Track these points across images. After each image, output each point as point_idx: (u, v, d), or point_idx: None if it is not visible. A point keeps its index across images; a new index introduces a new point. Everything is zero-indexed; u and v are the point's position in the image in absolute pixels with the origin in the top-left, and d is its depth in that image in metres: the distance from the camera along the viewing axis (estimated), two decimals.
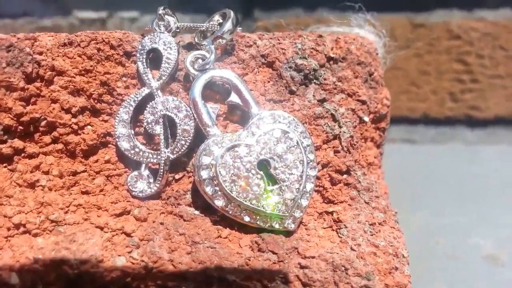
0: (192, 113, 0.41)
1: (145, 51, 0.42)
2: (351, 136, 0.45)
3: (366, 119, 0.47)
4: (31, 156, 0.41)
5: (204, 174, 0.39)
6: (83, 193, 0.42)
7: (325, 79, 0.46)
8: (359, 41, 0.49)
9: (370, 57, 0.50)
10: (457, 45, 1.08)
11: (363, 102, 0.47)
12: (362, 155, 0.47)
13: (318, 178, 0.44)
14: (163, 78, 0.42)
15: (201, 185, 0.39)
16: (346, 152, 0.45)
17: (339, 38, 0.48)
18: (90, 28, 1.13)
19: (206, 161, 0.39)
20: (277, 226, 0.39)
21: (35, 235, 0.38)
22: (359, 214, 0.43)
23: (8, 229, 0.38)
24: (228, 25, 0.42)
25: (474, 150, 1.09)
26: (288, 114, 0.41)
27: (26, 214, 0.39)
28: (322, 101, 0.45)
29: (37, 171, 0.41)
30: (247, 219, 0.39)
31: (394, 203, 0.83)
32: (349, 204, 0.44)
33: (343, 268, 0.37)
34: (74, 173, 0.42)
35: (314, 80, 0.46)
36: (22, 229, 0.38)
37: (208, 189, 0.39)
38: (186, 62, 0.42)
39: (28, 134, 0.41)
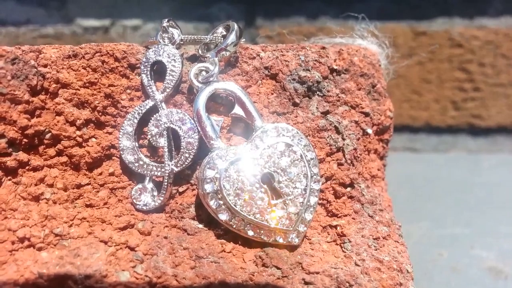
0: (196, 125, 0.41)
1: (149, 63, 0.42)
2: (355, 149, 0.45)
3: (370, 131, 0.47)
4: (35, 169, 0.41)
5: (208, 187, 0.39)
6: (87, 206, 0.42)
7: (328, 91, 0.46)
8: (362, 52, 0.49)
9: (373, 69, 0.50)
10: (458, 53, 1.08)
11: (366, 114, 0.47)
12: (366, 168, 0.47)
13: (322, 191, 0.44)
14: (167, 90, 0.42)
15: (205, 199, 0.39)
16: (350, 165, 0.45)
17: (342, 50, 0.48)
18: (92, 37, 1.14)
19: (210, 175, 0.39)
20: (281, 240, 0.39)
21: (40, 249, 0.38)
22: (363, 228, 0.43)
23: (13, 242, 0.38)
24: (232, 38, 0.42)
25: (477, 159, 1.09)
26: (292, 127, 0.41)
27: (30, 227, 0.39)
28: (325, 113, 0.45)
29: (42, 184, 0.41)
30: (251, 233, 0.39)
31: (396, 213, 0.83)
32: (353, 218, 0.43)
33: (347, 284, 0.36)
34: (78, 186, 0.42)
35: (318, 92, 0.46)
36: (26, 242, 0.38)
37: (212, 203, 0.39)
38: (190, 75, 0.42)
39: (32, 146, 0.41)
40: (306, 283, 0.37)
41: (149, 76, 0.42)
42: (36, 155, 0.41)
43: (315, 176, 0.40)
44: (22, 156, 0.40)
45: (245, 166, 0.39)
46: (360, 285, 0.36)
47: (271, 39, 1.06)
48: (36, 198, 0.40)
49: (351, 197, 0.45)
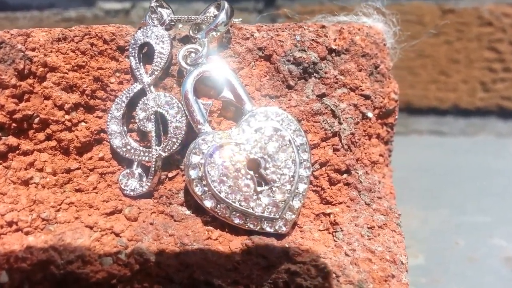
0: (184, 109, 0.40)
1: (137, 45, 0.41)
2: (352, 133, 0.43)
3: (370, 115, 0.45)
4: (25, 153, 0.41)
5: (193, 173, 0.38)
6: (76, 190, 0.41)
7: (326, 73, 0.44)
8: (365, 31, 0.47)
9: (377, 48, 0.47)
10: (488, 32, 1.02)
11: (367, 97, 0.45)
12: (366, 153, 0.45)
13: (316, 177, 0.42)
14: (156, 73, 0.41)
15: (190, 185, 0.38)
16: (347, 150, 0.43)
17: (343, 29, 0.46)
18: (113, 19, 1.14)
19: (195, 160, 0.38)
20: (268, 228, 0.38)
21: (27, 233, 0.38)
22: (358, 216, 0.41)
23: (1, 226, 0.38)
24: (222, 17, 0.41)
25: (505, 143, 1.04)
26: (282, 111, 0.39)
27: (18, 212, 0.39)
28: (321, 96, 0.43)
29: (31, 168, 0.41)
30: (237, 221, 0.38)
31: (415, 199, 0.80)
32: (347, 206, 0.42)
33: (334, 275, 0.35)
34: (68, 171, 0.42)
35: (314, 74, 0.44)
36: (14, 227, 0.38)
37: (197, 189, 0.38)
38: (178, 57, 0.41)
39: (22, 131, 0.41)
40: (291, 273, 0.35)
41: (137, 58, 0.41)
42: (26, 139, 0.41)
43: (304, 162, 0.38)
44: (12, 140, 0.40)
45: (231, 152, 0.38)
46: (347, 276, 0.35)
47: (290, 19, 1.03)
48: (26, 183, 0.40)
49: (347, 184, 0.43)
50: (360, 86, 0.44)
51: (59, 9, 1.17)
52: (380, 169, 0.46)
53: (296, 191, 0.38)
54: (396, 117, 0.49)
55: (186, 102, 0.40)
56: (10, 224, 0.38)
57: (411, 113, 1.28)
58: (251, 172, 0.38)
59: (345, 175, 0.43)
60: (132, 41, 0.41)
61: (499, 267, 0.61)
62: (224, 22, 0.41)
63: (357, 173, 0.43)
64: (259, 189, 0.38)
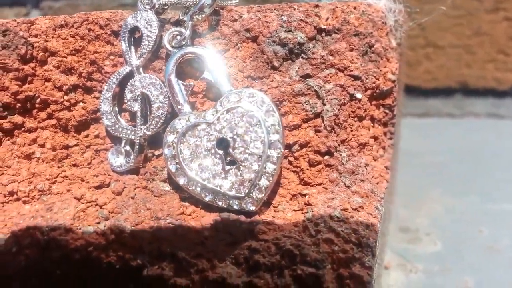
0: (166, 90, 0.42)
1: (128, 29, 0.44)
2: (336, 115, 0.42)
3: (359, 95, 0.44)
4: (30, 130, 0.45)
5: (167, 151, 0.40)
6: (73, 165, 0.45)
7: (313, 53, 0.43)
8: (361, 9, 0.45)
9: (373, 27, 0.46)
10: None
11: (356, 78, 0.44)
12: (354, 135, 0.44)
13: (296, 158, 0.43)
14: (144, 56, 0.43)
15: (166, 163, 0.40)
16: (330, 132, 0.42)
17: (337, 7, 0.45)
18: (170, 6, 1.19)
19: (170, 139, 0.40)
20: (235, 206, 0.39)
21: (24, 202, 0.42)
22: (333, 198, 0.40)
23: (4, 195, 0.43)
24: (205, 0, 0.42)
25: None
26: (258, 92, 0.40)
27: (19, 183, 0.43)
28: (305, 77, 0.43)
29: (34, 144, 0.45)
30: (207, 198, 0.39)
31: (445, 185, 0.76)
32: (324, 187, 0.41)
33: (291, 254, 0.35)
34: (67, 147, 0.45)
35: (302, 55, 0.43)
36: (15, 196, 0.43)
37: (172, 167, 0.40)
38: (163, 40, 0.43)
39: (26, 110, 0.45)
40: (252, 249, 0.36)
41: (127, 42, 0.44)
42: (31, 118, 0.45)
43: (275, 143, 0.39)
44: (17, 118, 0.45)
45: (202, 131, 0.39)
46: (304, 255, 0.35)
47: None
48: (28, 157, 0.45)
49: (328, 166, 0.42)
50: (349, 67, 0.43)
51: None
52: (369, 151, 0.45)
53: (264, 170, 0.38)
54: (395, 98, 0.47)
55: (168, 83, 0.42)
56: (11, 194, 0.43)
57: (467, 94, 1.20)
58: (220, 152, 0.39)
59: (326, 157, 0.42)
60: (124, 26, 0.44)
61: None
62: (209, 4, 0.42)
63: (340, 154, 0.43)
64: (227, 168, 0.39)
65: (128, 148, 0.44)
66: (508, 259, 0.57)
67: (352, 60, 0.44)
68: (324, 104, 0.43)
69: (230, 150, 0.39)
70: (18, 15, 1.22)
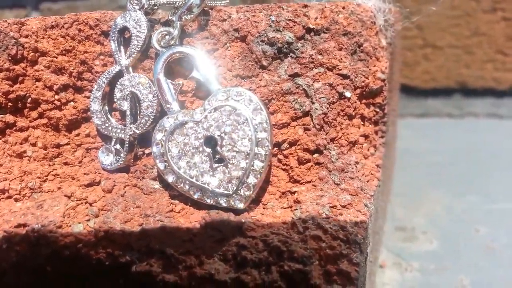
0: (156, 89, 0.42)
1: (117, 29, 0.44)
2: (325, 113, 0.43)
3: (348, 94, 0.44)
4: (21, 130, 0.46)
5: (156, 149, 0.40)
6: (64, 164, 0.45)
7: (302, 53, 0.43)
8: (350, 9, 0.46)
9: (362, 27, 0.46)
10: None
11: (345, 76, 0.44)
12: (343, 133, 0.44)
13: (285, 156, 0.43)
14: (133, 55, 0.44)
15: (155, 161, 0.40)
16: (319, 130, 0.43)
17: (326, 7, 0.45)
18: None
19: (159, 137, 0.40)
20: (223, 204, 0.39)
21: (16, 200, 0.43)
22: (322, 195, 0.40)
23: None
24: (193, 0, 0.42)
25: None
26: (245, 91, 0.40)
27: (10, 181, 0.43)
28: (293, 76, 0.43)
29: (26, 143, 0.45)
30: (195, 196, 0.40)
31: (445, 184, 0.76)
32: (313, 185, 0.42)
33: (278, 250, 0.35)
34: (58, 146, 0.46)
35: (291, 54, 0.44)
36: (6, 194, 0.43)
37: (160, 165, 0.40)
38: (152, 40, 0.43)
39: (18, 109, 0.45)
40: (240, 246, 0.36)
41: (116, 42, 0.44)
42: (22, 117, 0.46)
43: (262, 140, 0.39)
44: (9, 118, 0.45)
45: (190, 130, 0.39)
46: (291, 252, 0.35)
47: None
48: (20, 156, 0.45)
49: (318, 164, 0.43)
50: (338, 66, 0.44)
51: None
52: (360, 150, 0.45)
53: (252, 168, 0.39)
54: (385, 97, 0.47)
55: (157, 82, 0.42)
56: (3, 191, 0.43)
57: (466, 94, 1.20)
58: (208, 150, 0.39)
59: (316, 155, 0.43)
60: (113, 26, 0.44)
61: None
62: (197, 4, 0.42)
63: (330, 153, 0.43)
64: (215, 165, 0.39)
65: (118, 146, 0.44)
66: (504, 258, 0.57)
67: (341, 59, 0.44)
68: (313, 103, 0.43)
69: (218, 148, 0.39)
70: (18, 17, 1.22)
